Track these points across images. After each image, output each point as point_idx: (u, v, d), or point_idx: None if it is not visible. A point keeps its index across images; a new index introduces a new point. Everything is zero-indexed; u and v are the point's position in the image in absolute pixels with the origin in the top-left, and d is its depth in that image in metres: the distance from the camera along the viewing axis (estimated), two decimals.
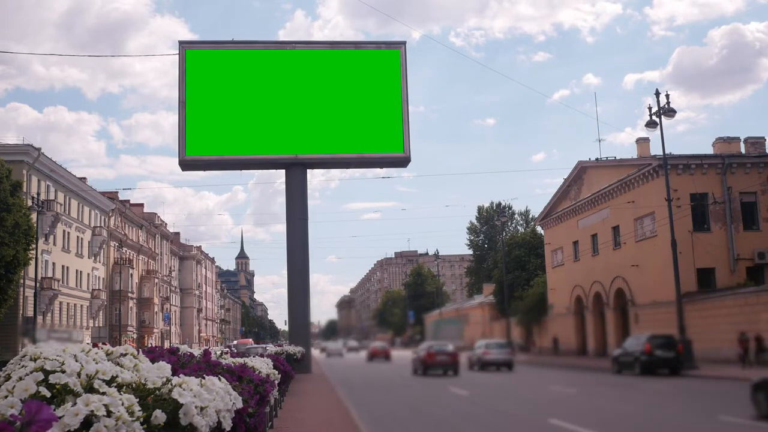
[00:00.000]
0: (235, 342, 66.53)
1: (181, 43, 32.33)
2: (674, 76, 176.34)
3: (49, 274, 48.35)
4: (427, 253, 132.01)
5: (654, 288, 36.38)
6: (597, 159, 43.86)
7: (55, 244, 50.08)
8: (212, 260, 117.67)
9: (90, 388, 2.18)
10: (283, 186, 32.96)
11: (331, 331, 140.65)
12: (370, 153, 31.99)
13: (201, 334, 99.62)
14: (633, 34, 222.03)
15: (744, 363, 27.36)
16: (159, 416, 2.16)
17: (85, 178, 57.29)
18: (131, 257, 67.02)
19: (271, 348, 24.76)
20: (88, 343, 2.94)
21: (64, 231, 51.86)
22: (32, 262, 38.41)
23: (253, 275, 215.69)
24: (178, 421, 2.25)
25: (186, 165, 31.88)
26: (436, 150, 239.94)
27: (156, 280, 75.14)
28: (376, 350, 48.84)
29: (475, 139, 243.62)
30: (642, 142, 40.22)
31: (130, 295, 66.20)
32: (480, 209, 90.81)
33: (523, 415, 15.79)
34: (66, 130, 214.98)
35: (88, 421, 1.92)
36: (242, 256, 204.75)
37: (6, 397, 1.95)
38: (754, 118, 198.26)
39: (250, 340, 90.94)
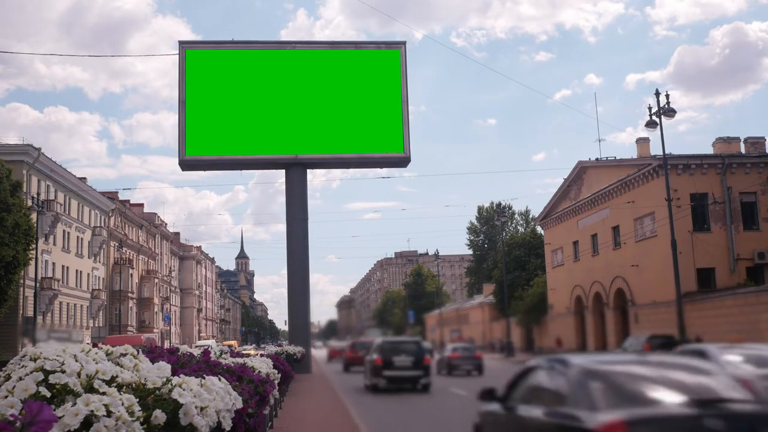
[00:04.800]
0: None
1: (181, 43, 32.35)
2: (676, 75, 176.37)
3: (49, 274, 48.33)
4: (427, 253, 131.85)
5: (654, 288, 36.38)
6: (597, 159, 43.87)
7: (55, 244, 50.06)
8: (212, 260, 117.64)
9: (90, 388, 2.18)
10: (284, 186, 33.00)
11: (331, 331, 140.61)
12: (371, 153, 32.00)
13: (201, 334, 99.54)
14: (635, 33, 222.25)
15: None
16: (159, 416, 2.16)
17: (85, 178, 57.29)
18: (131, 257, 67.00)
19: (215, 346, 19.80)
20: (88, 343, 2.93)
21: (64, 231, 51.84)
22: (32, 262, 38.38)
23: (253, 275, 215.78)
24: (178, 421, 2.25)
25: (186, 165, 31.91)
26: (437, 150, 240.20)
27: (156, 280, 75.13)
28: None
29: (476, 139, 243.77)
30: (642, 142, 40.22)
31: (130, 295, 66.18)
32: (480, 209, 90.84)
33: None
34: (67, 130, 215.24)
35: (88, 421, 1.93)
36: (242, 256, 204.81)
37: (6, 397, 1.95)
38: (755, 118, 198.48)
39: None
